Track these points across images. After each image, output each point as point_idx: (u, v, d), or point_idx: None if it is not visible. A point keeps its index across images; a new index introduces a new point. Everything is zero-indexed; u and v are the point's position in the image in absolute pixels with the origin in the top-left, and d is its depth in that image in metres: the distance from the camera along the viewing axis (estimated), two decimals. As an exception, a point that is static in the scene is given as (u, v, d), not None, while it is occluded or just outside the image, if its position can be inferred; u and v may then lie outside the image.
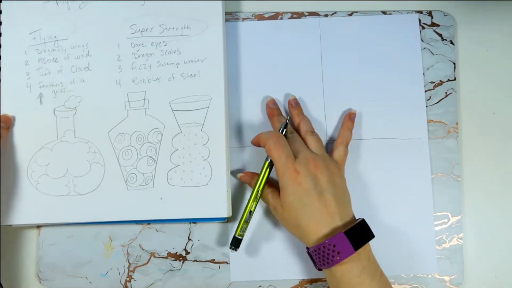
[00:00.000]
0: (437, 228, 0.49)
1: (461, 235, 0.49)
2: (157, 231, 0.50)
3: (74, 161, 0.48)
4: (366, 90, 0.51)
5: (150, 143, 0.48)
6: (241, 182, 0.50)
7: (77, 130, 0.49)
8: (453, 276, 0.49)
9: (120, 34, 0.49)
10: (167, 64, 0.49)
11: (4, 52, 0.49)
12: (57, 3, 0.50)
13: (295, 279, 0.49)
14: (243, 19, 0.52)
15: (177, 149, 0.48)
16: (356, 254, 0.40)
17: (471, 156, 0.51)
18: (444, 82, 0.51)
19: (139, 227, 0.50)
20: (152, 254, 0.50)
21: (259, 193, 0.45)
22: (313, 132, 0.47)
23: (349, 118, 0.49)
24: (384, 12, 0.52)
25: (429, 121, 0.50)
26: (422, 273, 0.49)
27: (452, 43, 0.51)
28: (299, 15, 0.52)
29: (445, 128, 0.50)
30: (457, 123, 0.50)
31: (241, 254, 0.49)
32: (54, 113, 0.49)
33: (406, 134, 0.50)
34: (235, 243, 0.45)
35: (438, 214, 0.49)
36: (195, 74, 0.48)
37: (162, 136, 0.48)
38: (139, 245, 0.50)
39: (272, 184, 0.46)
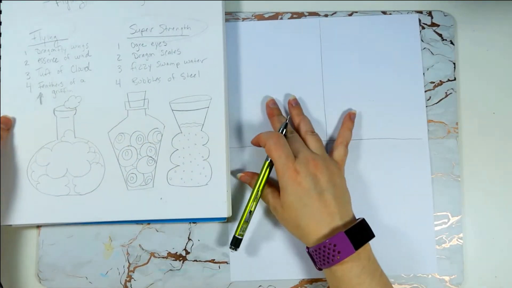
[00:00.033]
0: (437, 228, 0.49)
1: (461, 235, 0.49)
2: (157, 231, 0.50)
3: (74, 161, 0.48)
4: (366, 90, 0.51)
5: (150, 143, 0.48)
6: (241, 182, 0.50)
7: (77, 130, 0.49)
8: (453, 276, 0.49)
9: (120, 34, 0.49)
10: (167, 64, 0.49)
11: (4, 52, 0.49)
12: (57, 3, 0.50)
13: (295, 279, 0.49)
14: (243, 19, 0.52)
15: (177, 149, 0.48)
16: (356, 254, 0.40)
17: (471, 156, 0.51)
18: (444, 82, 0.51)
19: (139, 227, 0.50)
20: (152, 254, 0.50)
21: (259, 193, 0.45)
22: (313, 132, 0.47)
23: (349, 118, 0.49)
24: (384, 12, 0.52)
25: (429, 121, 0.50)
26: (422, 273, 0.49)
27: (452, 43, 0.51)
28: (299, 15, 0.52)
29: (445, 128, 0.50)
30: (457, 123, 0.50)
31: (241, 254, 0.49)
32: (54, 113, 0.49)
33: (406, 134, 0.50)
34: (235, 243, 0.45)
35: (438, 214, 0.49)
36: (195, 74, 0.48)
37: (162, 136, 0.48)
38: (139, 245, 0.50)
39: (272, 184, 0.46)
